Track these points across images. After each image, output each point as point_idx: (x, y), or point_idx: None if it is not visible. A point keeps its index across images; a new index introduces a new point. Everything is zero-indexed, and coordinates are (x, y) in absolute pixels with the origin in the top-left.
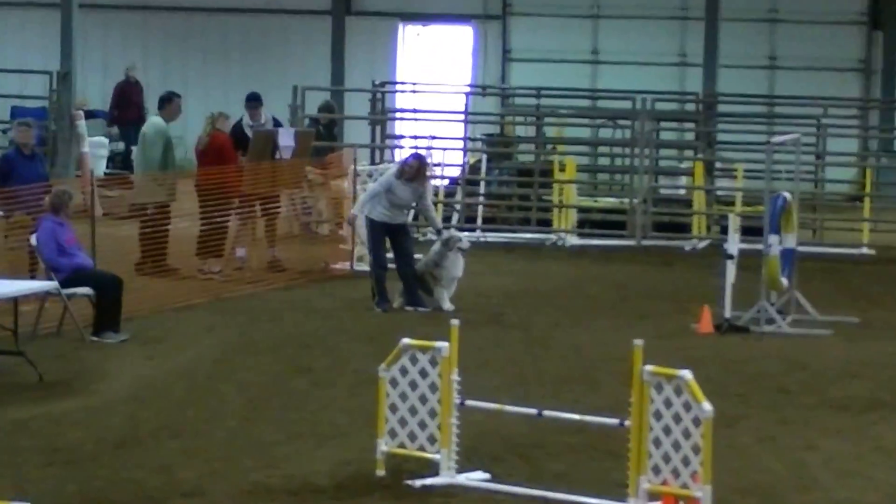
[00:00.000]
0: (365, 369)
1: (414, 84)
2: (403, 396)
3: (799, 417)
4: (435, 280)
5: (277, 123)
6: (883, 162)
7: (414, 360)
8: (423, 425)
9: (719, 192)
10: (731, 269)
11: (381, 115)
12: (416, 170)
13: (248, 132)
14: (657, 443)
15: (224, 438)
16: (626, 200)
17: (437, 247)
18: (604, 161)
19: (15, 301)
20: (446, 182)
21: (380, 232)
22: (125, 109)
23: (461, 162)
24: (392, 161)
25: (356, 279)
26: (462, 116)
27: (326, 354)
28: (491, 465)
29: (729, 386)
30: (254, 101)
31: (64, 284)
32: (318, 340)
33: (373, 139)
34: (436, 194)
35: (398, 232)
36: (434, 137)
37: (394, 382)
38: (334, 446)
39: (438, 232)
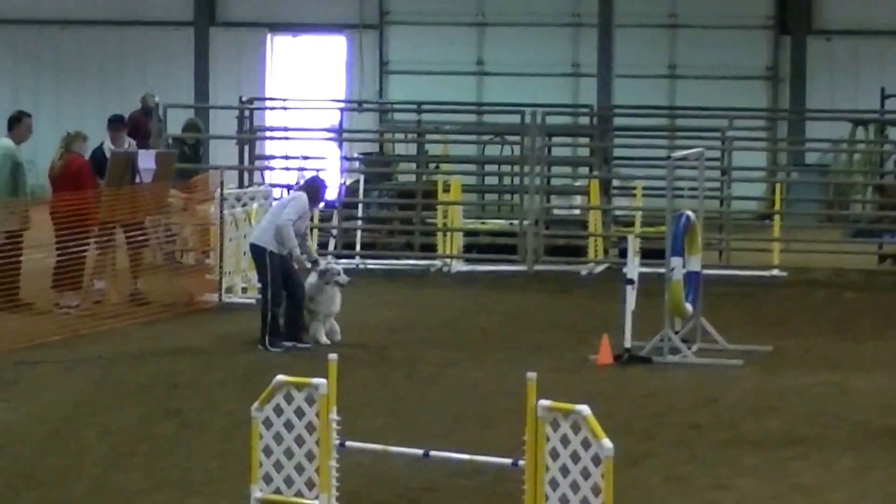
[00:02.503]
0: (238, 411)
1: (284, 100)
2: (278, 438)
3: (710, 455)
4: (310, 314)
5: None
6: (793, 177)
7: (289, 399)
8: (300, 469)
9: (617, 213)
10: (631, 295)
11: (249, 134)
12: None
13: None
14: (554, 484)
15: (87, 488)
16: (517, 222)
17: (312, 279)
18: (491, 180)
19: None
20: (321, 205)
21: (282, 267)
22: None
23: (337, 183)
24: (262, 183)
25: (225, 312)
26: (337, 134)
27: (196, 395)
28: None
29: (632, 421)
30: (116, 122)
31: None
32: (187, 380)
33: (241, 160)
34: (311, 218)
35: (290, 263)
36: (307, 157)
37: (268, 423)
38: (206, 494)
39: (314, 262)
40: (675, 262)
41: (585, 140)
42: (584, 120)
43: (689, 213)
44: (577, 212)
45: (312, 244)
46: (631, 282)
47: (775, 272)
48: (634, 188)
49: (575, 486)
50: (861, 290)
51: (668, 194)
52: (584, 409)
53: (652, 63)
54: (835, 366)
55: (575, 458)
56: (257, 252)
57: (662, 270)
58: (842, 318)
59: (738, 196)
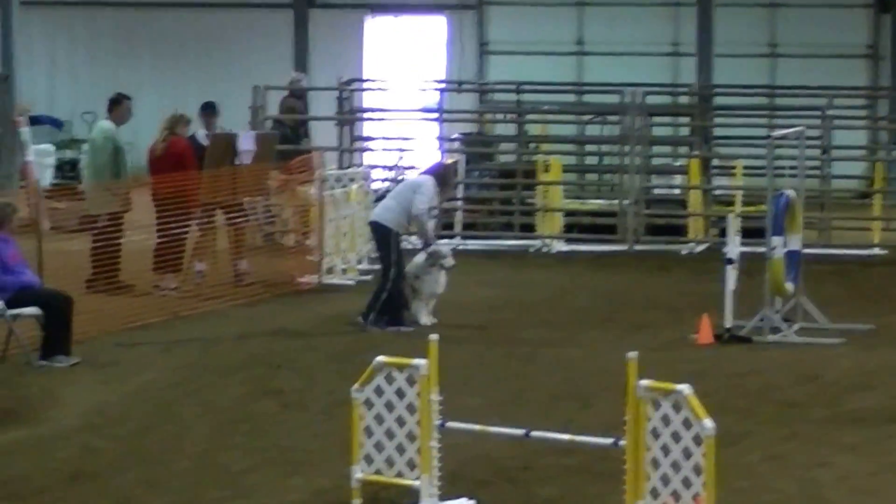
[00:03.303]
0: (338, 390)
1: (384, 81)
2: (379, 419)
3: (809, 433)
4: (414, 292)
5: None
6: (894, 155)
7: (390, 380)
8: (401, 450)
9: (717, 192)
10: (731, 274)
11: (348, 115)
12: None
13: (205, 143)
14: (655, 463)
15: (187, 467)
16: (617, 202)
17: (420, 258)
18: (591, 160)
19: None
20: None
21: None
22: None
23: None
24: (361, 165)
25: (324, 293)
26: (437, 115)
27: (296, 375)
28: (476, 490)
29: (732, 400)
30: (209, 110)
31: (9, 305)
32: (287, 360)
33: (340, 141)
34: None
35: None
36: (407, 138)
37: (368, 404)
38: (306, 474)
39: (426, 244)
40: (776, 241)
41: (685, 119)
42: (684, 99)
43: (790, 191)
44: (677, 191)
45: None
46: (731, 261)
47: (876, 250)
48: (734, 167)
49: (676, 466)
50: None
51: (768, 173)
52: (686, 388)
53: (751, 42)
54: None
55: (676, 437)
56: (382, 230)
57: (763, 249)
58: None
59: (839, 175)
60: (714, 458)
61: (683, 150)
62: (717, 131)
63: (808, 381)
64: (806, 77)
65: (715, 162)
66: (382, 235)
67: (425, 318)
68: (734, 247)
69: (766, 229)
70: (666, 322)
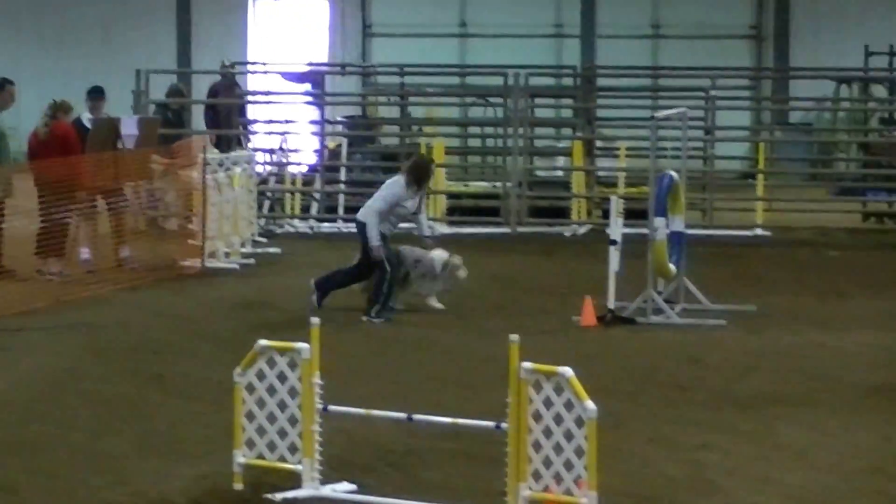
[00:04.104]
0: (222, 375)
1: (267, 64)
2: (261, 403)
3: (693, 415)
4: (406, 283)
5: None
6: (777, 136)
7: (272, 364)
8: (283, 434)
9: (600, 173)
10: (614, 256)
11: (233, 99)
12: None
13: (90, 127)
14: (537, 446)
15: (71, 454)
16: (500, 184)
17: (438, 260)
18: (475, 142)
19: None
20: (304, 169)
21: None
22: None
23: (319, 147)
24: (246, 148)
25: (208, 277)
26: (320, 98)
27: (181, 361)
28: (359, 475)
29: (616, 383)
30: (96, 94)
31: None
32: (172, 346)
33: (225, 125)
34: (293, 182)
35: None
36: (290, 121)
37: (250, 388)
38: (189, 459)
39: (424, 238)
40: (659, 222)
41: (569, 101)
42: (568, 81)
43: (673, 173)
44: (560, 173)
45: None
46: (614, 242)
47: (759, 231)
48: (618, 149)
49: (558, 449)
50: (845, 249)
51: (651, 154)
52: (567, 370)
53: (635, 23)
54: (819, 325)
55: (558, 419)
56: (362, 228)
57: (646, 231)
58: (825, 277)
59: (722, 155)
60: (597, 441)
61: (567, 131)
62: (601, 113)
63: (693, 364)
64: (689, 58)
65: (598, 143)
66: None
67: (436, 304)
68: (617, 228)
69: (650, 211)
70: (551, 305)
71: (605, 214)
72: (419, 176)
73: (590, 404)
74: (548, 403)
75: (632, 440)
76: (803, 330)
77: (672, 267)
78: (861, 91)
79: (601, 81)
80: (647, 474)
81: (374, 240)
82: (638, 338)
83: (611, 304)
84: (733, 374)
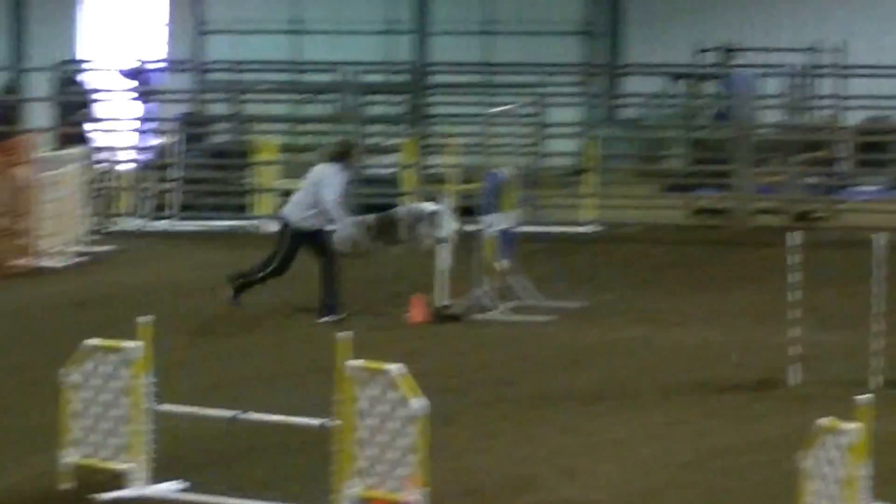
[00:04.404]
0: (51, 375)
1: (100, 61)
2: (90, 402)
3: (522, 411)
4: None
5: None
6: (609, 132)
7: (101, 362)
8: (112, 433)
9: (432, 170)
10: (444, 252)
11: (66, 96)
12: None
13: None
14: (365, 444)
15: None
16: None
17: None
18: (308, 139)
19: None
20: (137, 166)
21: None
22: None
23: (153, 144)
24: (78, 146)
25: (40, 275)
26: (152, 95)
27: (9, 359)
28: (189, 473)
29: (445, 380)
30: None
31: None
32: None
33: (56, 122)
34: (126, 180)
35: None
36: (123, 119)
37: (78, 387)
38: (17, 459)
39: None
40: (490, 219)
41: (401, 97)
42: (401, 77)
43: (504, 169)
44: (390, 170)
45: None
46: (444, 240)
47: (590, 228)
48: (450, 145)
49: (387, 446)
50: (674, 245)
51: (483, 151)
52: (396, 367)
53: (468, 19)
54: (647, 320)
55: (387, 417)
56: (283, 223)
57: (477, 228)
58: (654, 273)
59: (554, 152)
60: (426, 438)
61: (399, 128)
62: (434, 109)
63: (522, 360)
64: (521, 54)
65: (431, 140)
66: (282, 228)
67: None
68: (448, 225)
69: (480, 208)
70: (380, 302)
71: None
72: (349, 155)
73: (418, 401)
74: (376, 401)
75: (460, 437)
76: (632, 325)
77: (502, 263)
78: (692, 87)
79: (434, 78)
80: (473, 470)
81: (343, 219)
82: (467, 334)
83: (441, 301)
84: (561, 370)
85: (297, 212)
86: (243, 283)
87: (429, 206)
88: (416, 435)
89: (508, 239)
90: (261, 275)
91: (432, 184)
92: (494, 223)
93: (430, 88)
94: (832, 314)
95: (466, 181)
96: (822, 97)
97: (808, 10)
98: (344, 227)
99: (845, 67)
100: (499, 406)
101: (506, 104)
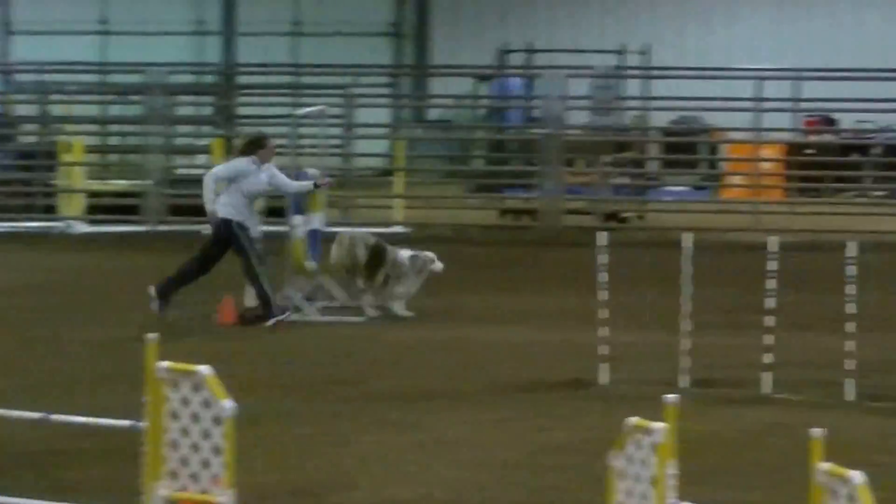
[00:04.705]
0: None
1: None
2: None
3: (335, 411)
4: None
5: None
6: (417, 133)
7: None
8: None
9: None
10: (254, 254)
11: None
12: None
13: None
14: (175, 445)
15: None
16: (140, 182)
17: (404, 259)
18: (115, 140)
19: None
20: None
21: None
22: None
23: None
24: None
25: None
26: None
27: None
28: None
29: (256, 380)
30: None
31: None
32: None
33: None
34: None
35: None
36: None
37: None
38: None
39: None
40: (298, 219)
41: (209, 99)
42: (209, 78)
43: (312, 170)
44: (201, 171)
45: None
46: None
47: (399, 228)
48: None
49: (196, 447)
50: (484, 245)
51: (291, 152)
52: (205, 369)
53: (276, 20)
54: (462, 320)
55: (196, 418)
56: (223, 224)
57: (285, 228)
58: (467, 273)
59: (362, 153)
60: (235, 439)
61: (207, 129)
62: (242, 110)
63: (335, 360)
64: (330, 55)
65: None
66: (224, 229)
67: (402, 311)
68: (255, 226)
69: (288, 208)
70: (190, 303)
71: None
72: (254, 146)
73: (227, 402)
74: (185, 402)
75: (273, 438)
76: (447, 326)
77: (311, 264)
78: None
79: (242, 79)
80: (287, 471)
81: (209, 201)
82: (277, 335)
83: (250, 302)
84: (376, 371)
85: (225, 209)
86: (169, 286)
87: (404, 260)
88: (224, 436)
89: (317, 239)
90: (189, 276)
91: None
92: (303, 224)
93: (238, 89)
94: (642, 314)
95: None
96: (628, 98)
97: (613, 14)
98: (341, 245)
99: (650, 69)
100: (312, 406)
101: (314, 105)
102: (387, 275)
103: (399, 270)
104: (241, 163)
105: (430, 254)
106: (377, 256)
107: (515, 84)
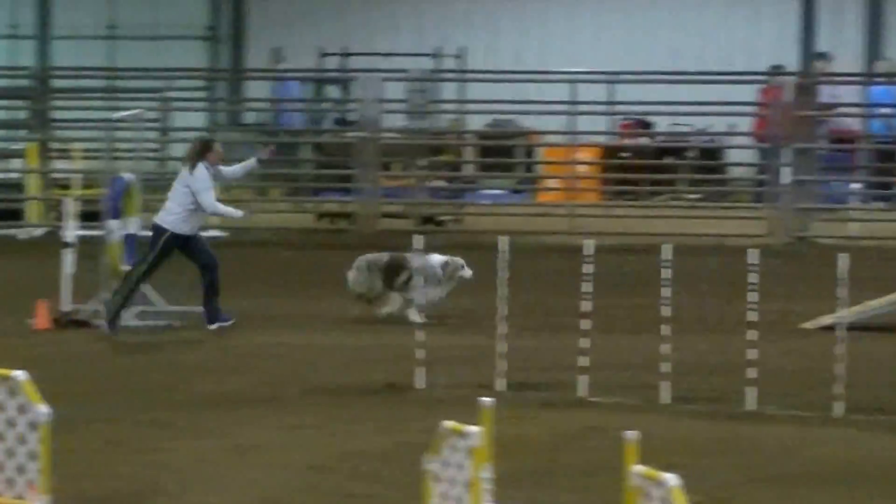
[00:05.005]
0: None
1: None
2: None
3: (152, 418)
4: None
5: None
6: (232, 136)
7: None
8: None
9: (56, 175)
10: (68, 258)
11: None
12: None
13: None
14: None
15: None
16: None
17: (431, 261)
18: None
19: None
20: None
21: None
22: None
23: None
24: None
25: None
26: None
27: None
28: None
29: (73, 386)
30: None
31: None
32: None
33: None
34: None
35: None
36: None
37: None
38: None
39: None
40: (113, 224)
41: (23, 102)
42: (23, 82)
43: (128, 174)
44: (14, 175)
45: None
46: (68, 245)
47: (215, 233)
48: (74, 150)
49: (11, 453)
50: (302, 249)
51: (106, 156)
52: (21, 374)
53: (91, 23)
54: (282, 325)
55: (11, 423)
56: (156, 230)
57: (101, 233)
58: (285, 277)
59: (178, 157)
60: (50, 445)
61: (22, 133)
62: (57, 114)
63: (154, 366)
64: (146, 59)
65: (54, 145)
66: (155, 235)
67: (416, 317)
68: (71, 230)
69: (104, 212)
70: (5, 308)
71: (61, 216)
72: (208, 150)
73: (43, 407)
74: (1, 407)
75: (89, 443)
76: (269, 331)
77: (127, 268)
78: (316, 92)
79: (57, 83)
80: (102, 477)
81: (234, 212)
82: (94, 341)
83: (66, 306)
84: (195, 375)
85: (170, 217)
86: (120, 304)
87: (438, 265)
88: (38, 442)
89: (132, 243)
90: (134, 285)
91: (56, 188)
92: (119, 228)
93: (52, 93)
94: (462, 317)
95: (90, 186)
96: (444, 102)
97: (428, 17)
98: (360, 270)
99: (465, 73)
100: (128, 412)
101: (130, 109)
102: (409, 276)
103: (430, 275)
104: (207, 171)
105: (459, 260)
106: (393, 270)
107: (294, 87)
